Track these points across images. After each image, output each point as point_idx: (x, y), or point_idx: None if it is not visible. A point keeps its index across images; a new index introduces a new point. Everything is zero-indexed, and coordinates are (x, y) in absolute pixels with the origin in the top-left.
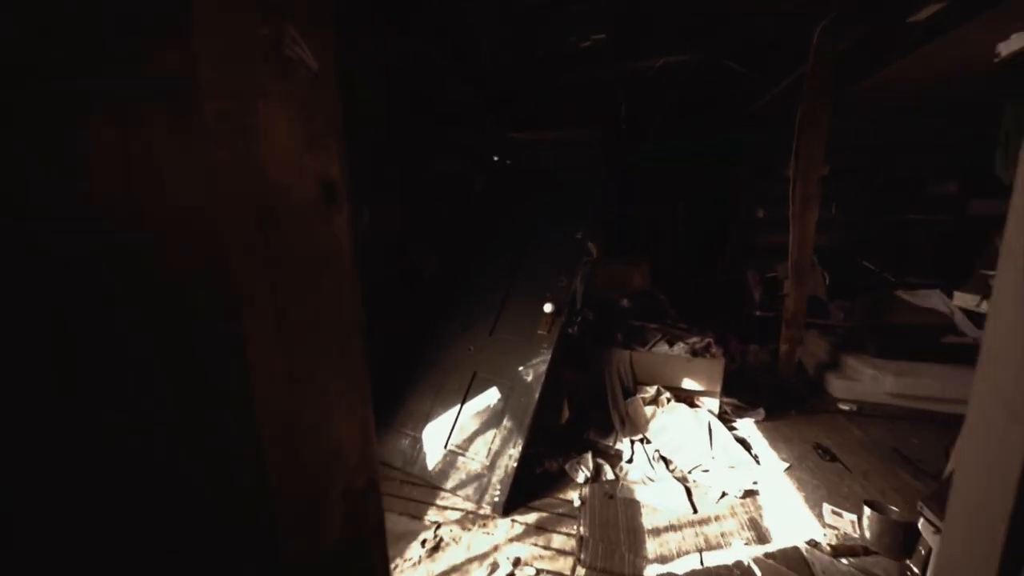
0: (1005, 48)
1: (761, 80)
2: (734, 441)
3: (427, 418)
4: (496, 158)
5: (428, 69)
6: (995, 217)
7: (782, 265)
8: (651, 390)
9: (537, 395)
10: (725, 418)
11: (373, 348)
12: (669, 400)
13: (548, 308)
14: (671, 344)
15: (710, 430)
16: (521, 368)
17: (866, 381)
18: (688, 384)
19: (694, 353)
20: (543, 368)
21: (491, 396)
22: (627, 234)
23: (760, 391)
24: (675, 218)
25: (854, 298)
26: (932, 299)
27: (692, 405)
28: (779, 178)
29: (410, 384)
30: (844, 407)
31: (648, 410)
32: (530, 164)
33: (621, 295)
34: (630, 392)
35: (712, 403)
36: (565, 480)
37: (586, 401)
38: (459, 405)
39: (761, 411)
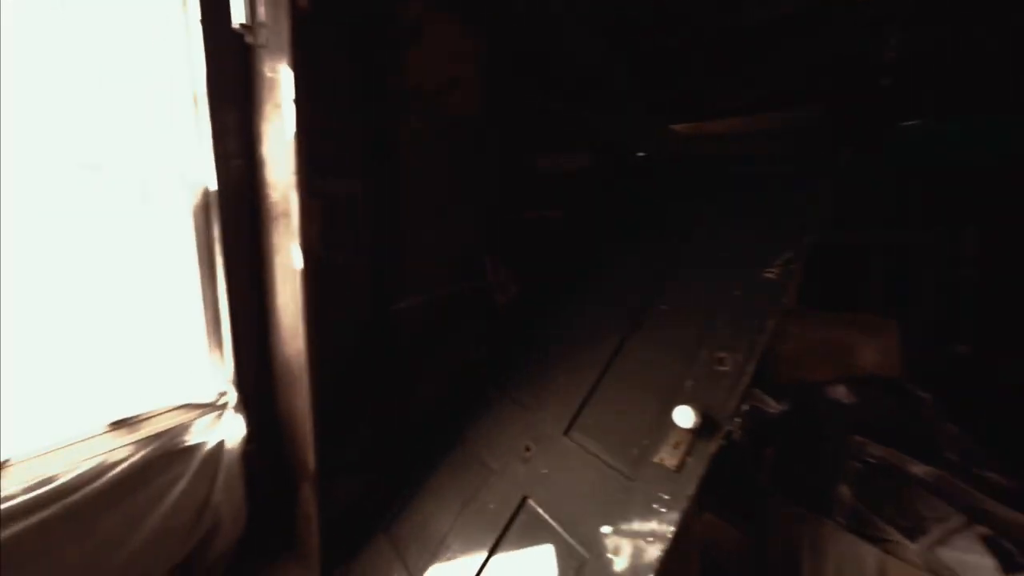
0: None
1: None
2: None
3: (438, 547)
4: (640, 155)
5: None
6: None
7: None
8: None
9: None
10: None
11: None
12: None
13: (685, 419)
14: (995, 549)
15: None
16: (607, 530)
17: None
18: None
19: None
20: (656, 553)
21: (543, 564)
22: (845, 275)
23: None
24: (955, 255)
25: None
26: None
27: None
28: None
29: (432, 468)
30: None
31: None
32: (692, 155)
33: (833, 379)
34: None
35: None
36: None
37: None
38: (486, 552)
39: None
